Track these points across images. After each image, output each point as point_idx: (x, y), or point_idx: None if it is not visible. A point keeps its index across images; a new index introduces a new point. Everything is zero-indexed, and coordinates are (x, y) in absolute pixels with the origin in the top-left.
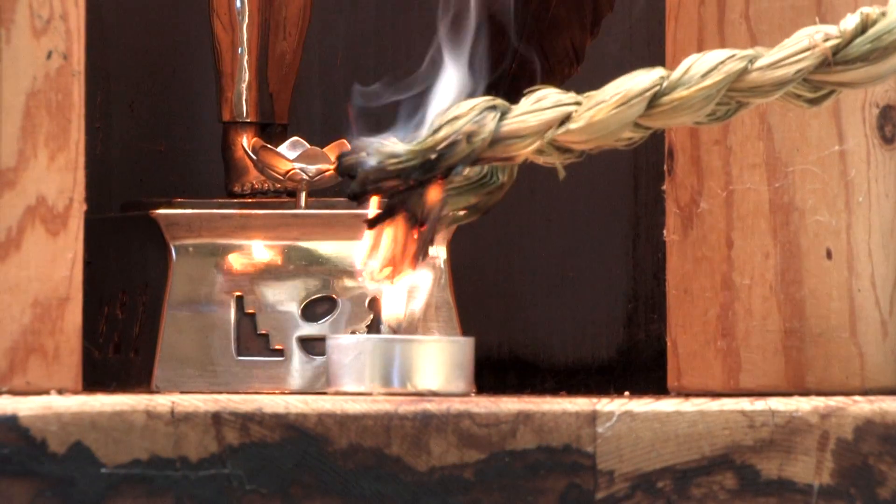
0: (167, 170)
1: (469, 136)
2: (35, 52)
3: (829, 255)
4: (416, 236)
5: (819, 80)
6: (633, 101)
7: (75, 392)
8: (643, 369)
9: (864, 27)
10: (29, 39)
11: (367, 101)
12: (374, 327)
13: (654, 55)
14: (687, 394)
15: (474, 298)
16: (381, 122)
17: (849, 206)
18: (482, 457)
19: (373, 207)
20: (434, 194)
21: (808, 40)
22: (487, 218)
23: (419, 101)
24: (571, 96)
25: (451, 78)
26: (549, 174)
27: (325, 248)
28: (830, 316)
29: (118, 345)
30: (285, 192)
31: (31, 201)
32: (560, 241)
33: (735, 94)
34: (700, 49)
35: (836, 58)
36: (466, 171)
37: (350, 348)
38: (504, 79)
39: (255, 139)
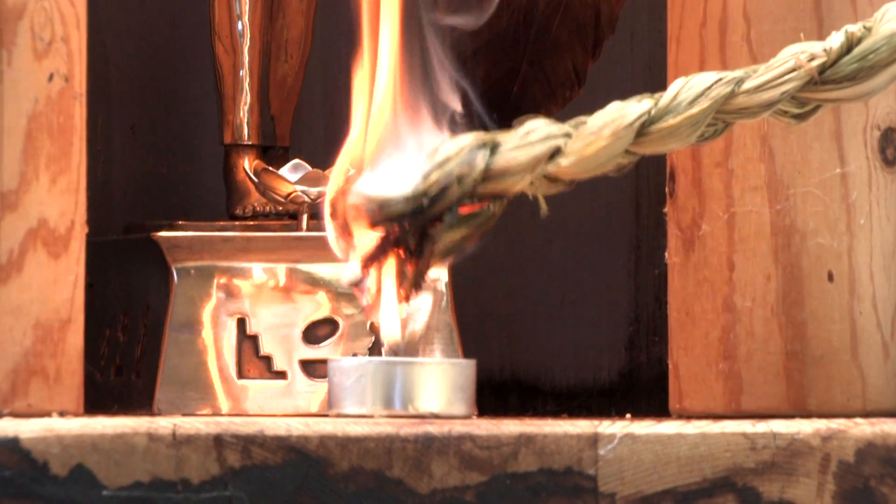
0: (169, 192)
1: (460, 179)
2: (36, 74)
3: (830, 277)
4: (408, 270)
5: (806, 97)
6: (622, 133)
7: (77, 414)
8: (645, 391)
9: (849, 46)
10: (30, 62)
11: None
12: (375, 350)
13: (656, 78)
14: (688, 416)
15: (476, 321)
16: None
17: (850, 229)
18: (484, 479)
19: (363, 245)
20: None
21: (794, 61)
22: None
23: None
24: (561, 128)
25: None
26: (550, 196)
27: (327, 270)
28: (832, 338)
29: (120, 367)
30: (287, 215)
31: (33, 223)
32: (561, 263)
33: (723, 115)
34: (701, 71)
35: (822, 77)
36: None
37: (351, 371)
38: (506, 101)
39: (256, 162)
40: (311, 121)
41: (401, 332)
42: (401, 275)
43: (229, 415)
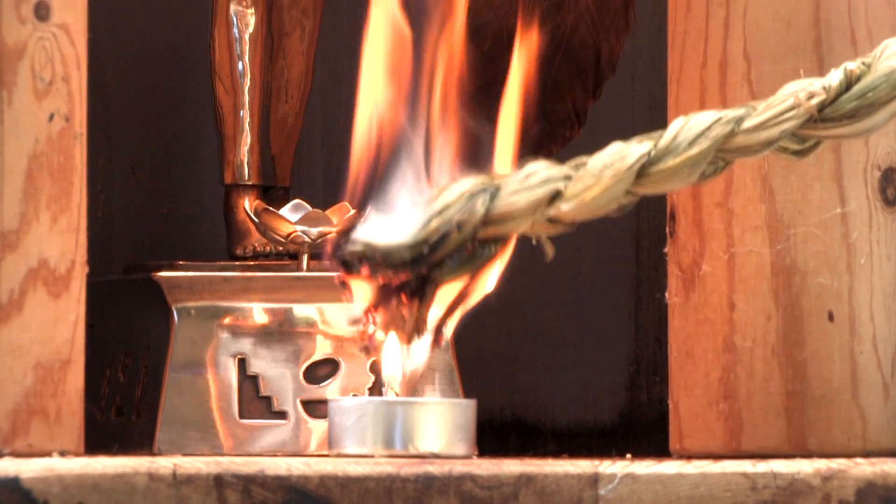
0: (169, 232)
1: (460, 225)
2: (37, 114)
3: (830, 317)
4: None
5: (806, 134)
6: (622, 175)
7: (77, 454)
8: (645, 431)
9: (848, 84)
10: (31, 102)
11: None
12: (375, 390)
13: (656, 118)
14: (689, 456)
15: (476, 360)
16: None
17: (851, 269)
18: None
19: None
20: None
21: (794, 99)
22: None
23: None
24: (561, 171)
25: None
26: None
27: (328, 310)
28: (832, 378)
29: (120, 407)
30: (287, 255)
31: (34, 263)
32: (562, 303)
33: (723, 154)
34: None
35: (821, 115)
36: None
37: (352, 410)
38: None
39: (257, 202)
40: (312, 161)
41: (401, 371)
42: (402, 319)
43: (230, 455)
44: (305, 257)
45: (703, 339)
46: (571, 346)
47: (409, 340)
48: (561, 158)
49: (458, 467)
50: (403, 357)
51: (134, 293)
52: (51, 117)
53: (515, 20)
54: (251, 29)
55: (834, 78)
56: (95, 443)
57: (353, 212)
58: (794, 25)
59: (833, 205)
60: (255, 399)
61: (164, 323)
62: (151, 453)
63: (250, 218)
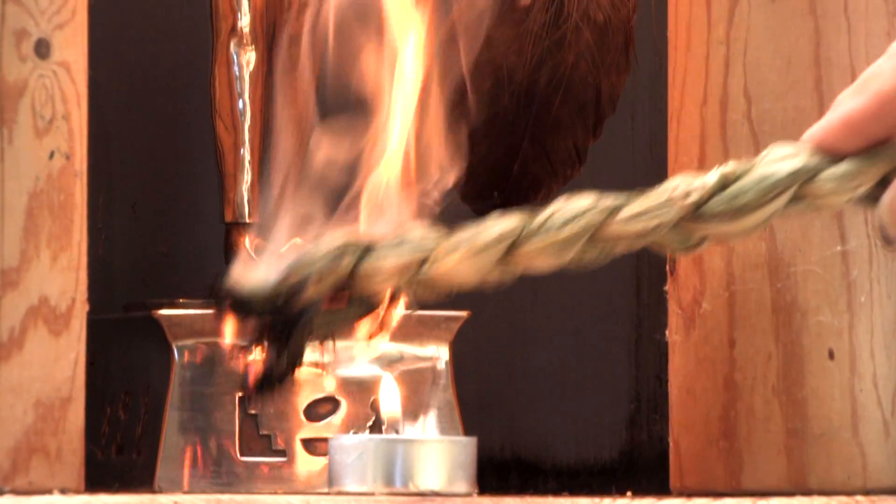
0: (170, 271)
1: (319, 279)
2: (37, 152)
3: (831, 355)
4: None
5: (688, 230)
6: (488, 251)
7: (78, 492)
8: (645, 469)
9: (723, 185)
10: (31, 139)
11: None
12: (376, 427)
13: (657, 156)
14: (689, 494)
15: (476, 398)
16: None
17: (851, 307)
18: None
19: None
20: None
21: (668, 195)
22: (489, 318)
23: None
24: (433, 238)
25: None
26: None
27: (327, 348)
28: (832, 416)
29: (121, 445)
30: None
31: (34, 301)
32: (562, 341)
33: (600, 241)
34: (702, 151)
35: (696, 213)
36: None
37: (352, 448)
38: (507, 180)
39: (257, 240)
40: None
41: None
42: (260, 363)
43: (230, 493)
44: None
45: (704, 377)
46: (572, 383)
47: (270, 387)
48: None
49: None
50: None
51: (134, 331)
52: (51, 155)
53: (515, 59)
54: (251, 67)
55: (711, 178)
56: (96, 481)
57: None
58: (794, 63)
59: (833, 243)
60: (256, 437)
61: (165, 361)
62: (152, 491)
63: (251, 256)
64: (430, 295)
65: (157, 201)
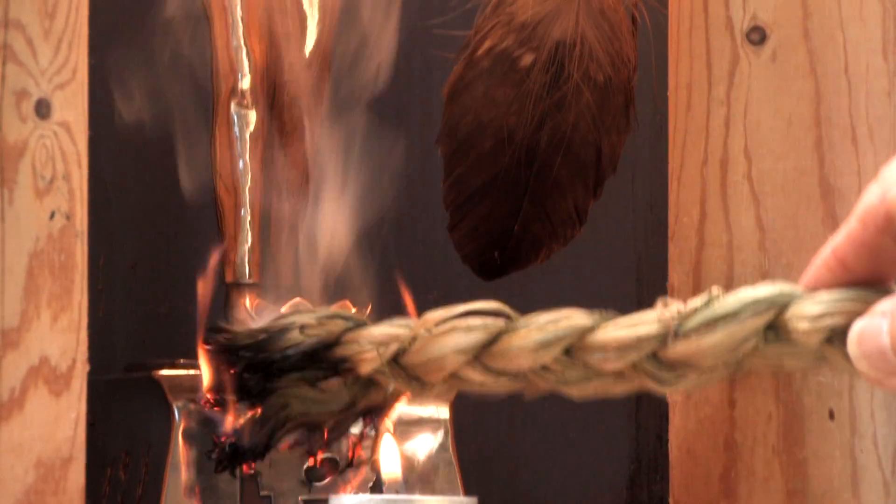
0: (170, 331)
1: (303, 328)
2: (38, 212)
3: (831, 415)
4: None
5: (668, 360)
6: (463, 348)
7: None
8: None
9: (707, 304)
10: (31, 200)
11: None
12: (376, 488)
13: (657, 217)
14: None
15: (477, 458)
16: None
17: None
18: None
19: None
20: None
21: (657, 313)
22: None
23: None
24: (406, 324)
25: None
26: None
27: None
28: (833, 477)
29: None
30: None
31: (34, 361)
32: (563, 400)
33: (580, 352)
34: (703, 211)
35: (677, 328)
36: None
37: None
38: (508, 240)
39: (258, 300)
40: None
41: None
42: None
43: None
44: None
45: (704, 437)
46: (573, 443)
47: (238, 453)
48: (562, 257)
49: None
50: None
51: (135, 392)
52: (52, 215)
53: (517, 119)
54: (252, 128)
55: (697, 300)
56: None
57: (354, 310)
58: (794, 124)
59: None
60: (257, 498)
61: (165, 421)
62: None
63: (251, 316)
64: (414, 387)
65: (158, 262)
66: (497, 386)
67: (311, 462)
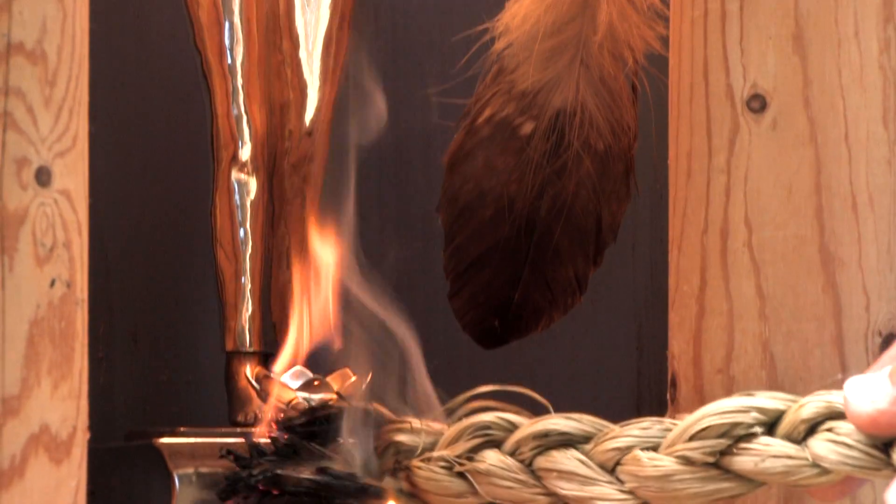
0: (170, 399)
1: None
2: (38, 279)
3: None
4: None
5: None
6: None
7: None
8: None
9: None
10: (32, 267)
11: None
12: None
13: (657, 285)
14: None
15: None
16: None
17: None
18: None
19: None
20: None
21: (648, 422)
22: None
23: None
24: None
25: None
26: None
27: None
28: None
29: None
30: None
31: (35, 429)
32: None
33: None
34: (703, 279)
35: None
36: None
37: None
38: (508, 308)
39: (258, 369)
40: None
41: None
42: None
43: None
44: None
45: None
46: None
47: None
48: (563, 325)
49: None
50: None
51: (135, 459)
52: (52, 283)
53: (517, 187)
54: (252, 196)
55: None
56: None
57: (354, 378)
58: (795, 191)
59: (834, 371)
60: None
61: (166, 489)
62: None
63: (251, 385)
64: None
65: (158, 330)
66: None
67: None
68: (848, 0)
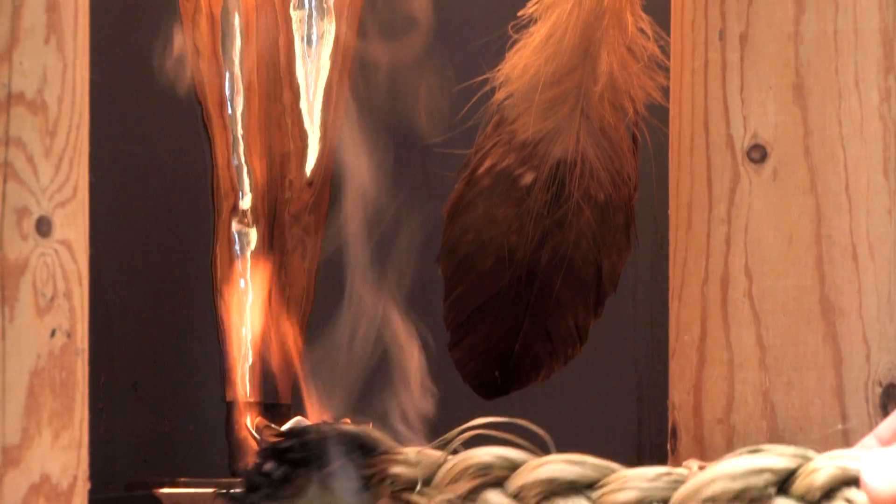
0: (171, 449)
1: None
2: (39, 329)
3: None
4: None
5: None
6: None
7: None
8: None
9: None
10: (32, 317)
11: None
12: None
13: (658, 335)
14: None
15: None
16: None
17: None
18: None
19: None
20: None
21: (654, 473)
22: None
23: None
24: (427, 461)
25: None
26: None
27: None
28: None
29: None
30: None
31: (35, 479)
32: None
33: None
34: (703, 329)
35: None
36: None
37: None
38: (509, 359)
39: (258, 419)
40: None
41: None
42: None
43: None
44: None
45: None
46: None
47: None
48: (563, 376)
49: None
50: None
51: None
52: (52, 333)
53: (517, 238)
54: (253, 246)
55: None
56: None
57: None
58: (795, 241)
59: (834, 421)
60: None
61: None
62: None
63: (252, 435)
64: None
65: (158, 380)
66: None
67: None
68: (848, 50)
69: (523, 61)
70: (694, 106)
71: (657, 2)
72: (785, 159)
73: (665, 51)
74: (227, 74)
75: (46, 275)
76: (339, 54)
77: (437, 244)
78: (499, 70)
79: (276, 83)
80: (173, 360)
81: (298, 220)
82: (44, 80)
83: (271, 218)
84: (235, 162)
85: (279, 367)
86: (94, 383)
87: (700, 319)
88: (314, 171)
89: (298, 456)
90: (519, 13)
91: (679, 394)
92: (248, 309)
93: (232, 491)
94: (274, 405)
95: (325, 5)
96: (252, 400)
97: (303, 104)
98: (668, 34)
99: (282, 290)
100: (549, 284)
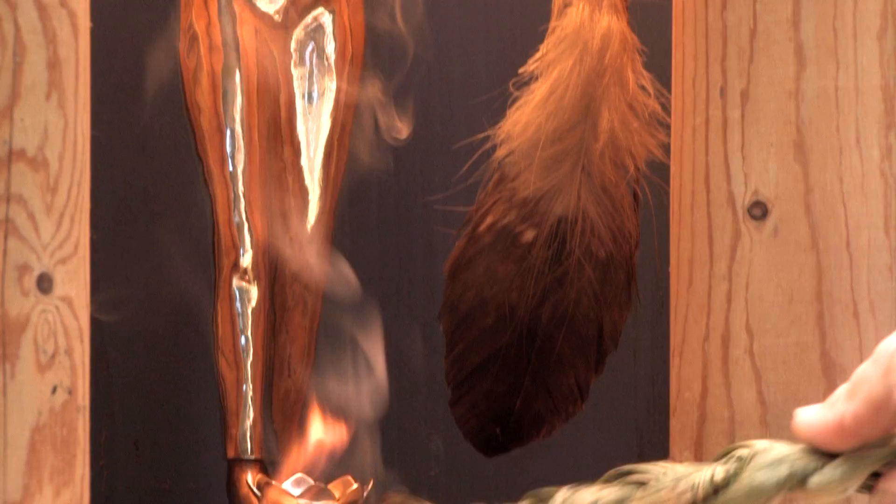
0: None
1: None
2: (39, 386)
3: None
4: None
5: None
6: None
7: None
8: None
9: (715, 489)
10: (34, 374)
11: None
12: None
13: (658, 392)
14: None
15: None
16: None
17: None
18: None
19: None
20: None
21: (665, 491)
22: None
23: None
24: None
25: None
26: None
27: None
28: None
29: None
30: None
31: None
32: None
33: None
34: (704, 387)
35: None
36: None
37: None
38: (510, 416)
39: (259, 476)
40: None
41: None
42: None
43: None
44: None
45: None
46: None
47: None
48: (564, 433)
49: None
50: None
51: None
52: (53, 390)
53: (518, 295)
54: (254, 303)
55: (703, 477)
56: None
57: (355, 486)
58: (796, 299)
59: None
60: None
61: None
62: None
63: (253, 492)
64: None
65: (159, 437)
66: None
67: None
68: (849, 108)
69: (524, 118)
70: (695, 163)
71: (658, 59)
72: (786, 216)
73: (666, 108)
74: (228, 131)
75: (47, 331)
76: (340, 112)
77: (439, 301)
78: (500, 127)
79: (277, 140)
80: (174, 417)
81: (299, 278)
82: (45, 136)
83: (272, 275)
84: (236, 219)
85: (281, 425)
86: (95, 440)
87: (701, 377)
88: (315, 227)
89: None
90: (520, 70)
91: (680, 451)
92: (249, 366)
93: None
94: (275, 462)
95: (326, 63)
96: (253, 457)
97: (303, 161)
98: (670, 91)
99: (283, 347)
100: (550, 341)
